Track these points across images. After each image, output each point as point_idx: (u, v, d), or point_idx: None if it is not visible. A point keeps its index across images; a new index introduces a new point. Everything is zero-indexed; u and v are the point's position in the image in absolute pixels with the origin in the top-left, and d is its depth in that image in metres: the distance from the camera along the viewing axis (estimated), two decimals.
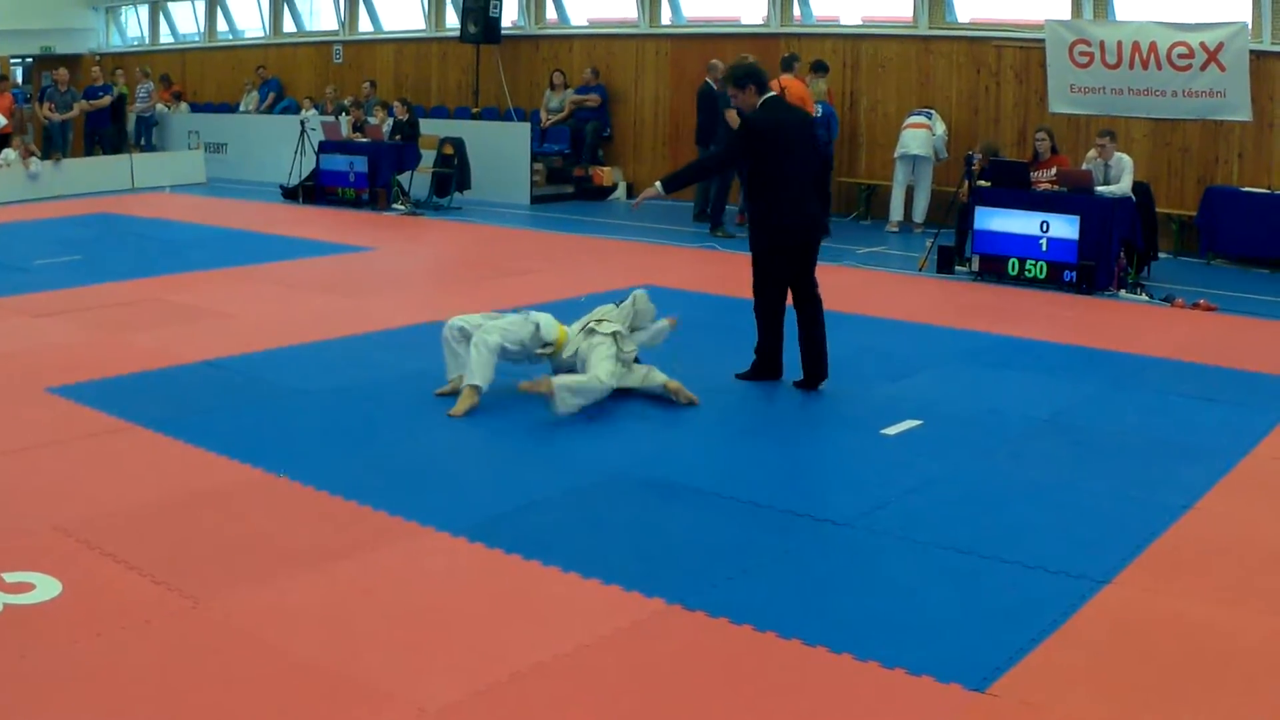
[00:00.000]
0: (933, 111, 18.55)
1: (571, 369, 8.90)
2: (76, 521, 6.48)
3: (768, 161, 9.26)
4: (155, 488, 7.10)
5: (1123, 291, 13.71)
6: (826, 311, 9.41)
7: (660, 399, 8.97)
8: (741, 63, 9.50)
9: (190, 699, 4.75)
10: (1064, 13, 17.87)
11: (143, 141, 26.46)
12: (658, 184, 9.55)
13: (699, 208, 19.06)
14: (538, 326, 8.95)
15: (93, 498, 6.90)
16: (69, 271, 14.04)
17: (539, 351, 8.98)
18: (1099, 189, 14.03)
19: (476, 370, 8.62)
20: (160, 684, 4.86)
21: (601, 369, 8.73)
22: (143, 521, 6.58)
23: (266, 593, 5.73)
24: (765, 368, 9.65)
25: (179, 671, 4.97)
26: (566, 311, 9.41)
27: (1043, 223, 13.88)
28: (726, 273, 10.24)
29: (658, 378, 9.06)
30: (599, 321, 9.09)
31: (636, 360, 9.12)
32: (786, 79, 17.94)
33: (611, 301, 9.32)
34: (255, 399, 8.98)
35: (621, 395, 8.90)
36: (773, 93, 9.50)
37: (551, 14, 24.11)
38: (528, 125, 22.07)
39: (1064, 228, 13.78)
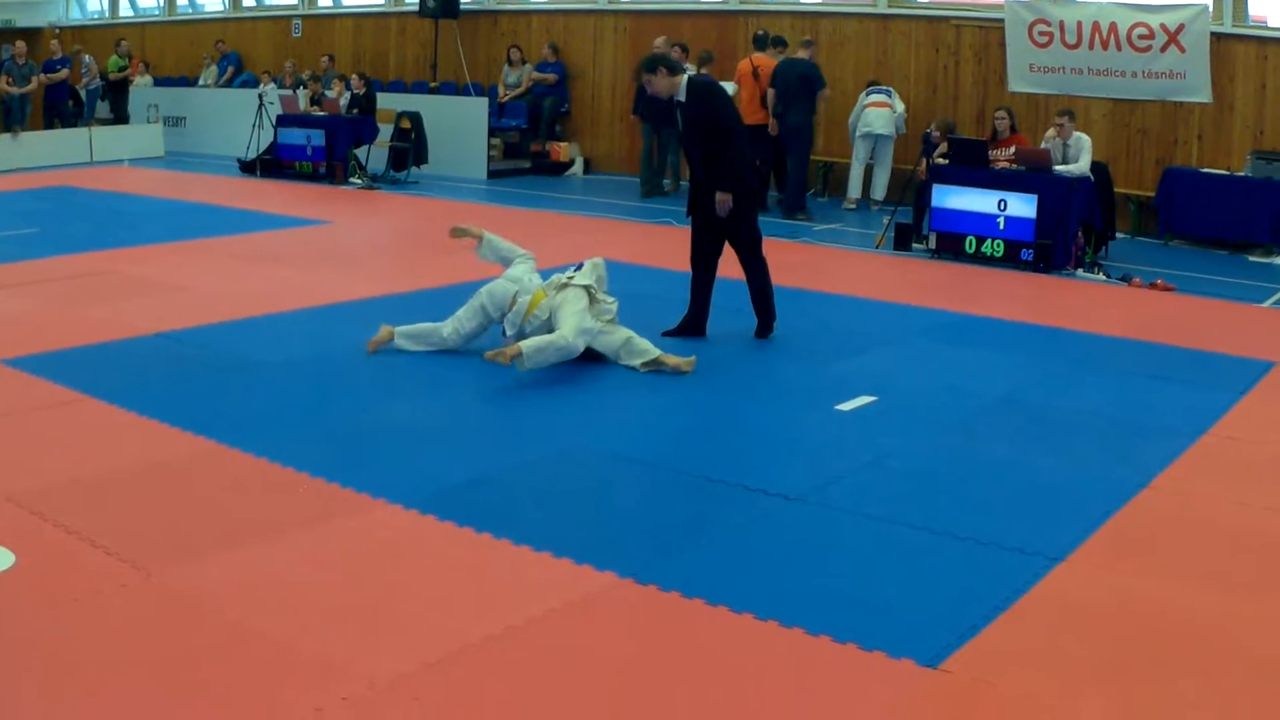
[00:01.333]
0: (891, 90, 18.54)
1: (549, 329, 8.93)
2: (29, 493, 6.44)
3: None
4: (109, 459, 7.06)
5: (1080, 271, 13.75)
6: (784, 287, 9.47)
7: (631, 372, 9.00)
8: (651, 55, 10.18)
9: (142, 670, 4.72)
10: None
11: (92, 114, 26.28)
12: (725, 195, 9.93)
13: (649, 185, 19.10)
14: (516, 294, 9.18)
15: (45, 469, 6.85)
16: (25, 244, 13.94)
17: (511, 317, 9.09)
18: (1057, 168, 14.06)
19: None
20: (112, 655, 4.84)
21: (568, 326, 8.75)
22: (96, 493, 6.54)
23: (218, 564, 5.70)
24: (688, 325, 10.30)
25: (131, 643, 4.95)
26: None
27: (1001, 201, 13.90)
28: (683, 248, 10.22)
29: (640, 348, 9.13)
30: (569, 277, 9.17)
31: (614, 322, 9.18)
32: (759, 57, 17.96)
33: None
34: (209, 371, 8.93)
35: (590, 365, 8.91)
36: (692, 72, 9.85)
37: None
38: (485, 100, 21.99)
39: (1022, 206, 13.79)
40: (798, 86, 17.29)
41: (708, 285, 10.26)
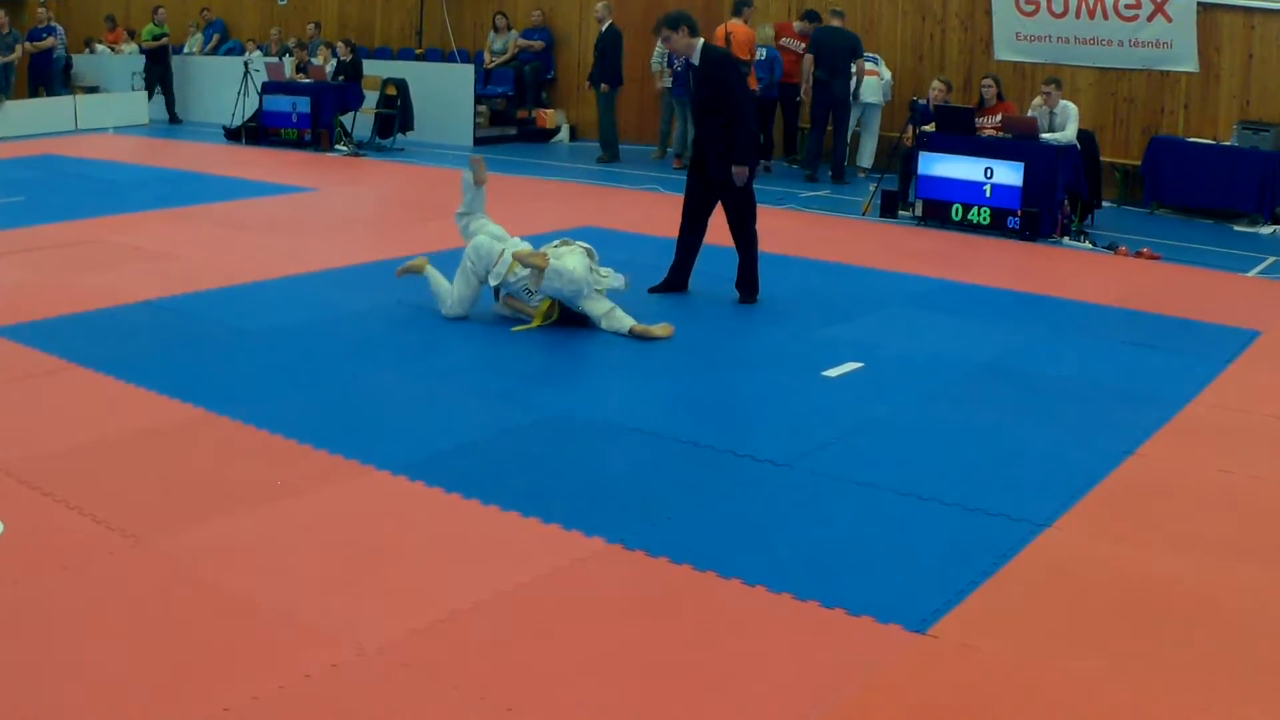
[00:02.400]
0: (878, 57, 18.54)
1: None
2: (17, 461, 6.44)
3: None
4: (96, 427, 7.06)
5: (1066, 239, 13.77)
6: (770, 253, 9.50)
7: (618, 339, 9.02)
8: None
9: (131, 637, 4.73)
10: None
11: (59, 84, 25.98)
12: (741, 167, 10.10)
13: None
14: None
15: (33, 438, 6.85)
16: (11, 213, 13.88)
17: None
18: (1044, 136, 14.06)
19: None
20: (101, 623, 4.84)
21: (570, 260, 8.99)
22: (84, 461, 6.54)
23: (207, 532, 5.70)
24: (671, 281, 10.61)
25: (120, 610, 4.95)
26: None
27: (987, 169, 13.90)
28: (669, 214, 10.24)
29: (623, 321, 9.15)
30: (565, 242, 9.37)
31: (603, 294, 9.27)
32: (734, 24, 17.96)
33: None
34: (197, 339, 8.92)
35: (578, 332, 8.93)
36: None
37: None
38: (471, 67, 21.93)
39: (1008, 174, 13.80)
40: (845, 54, 17.46)
41: (695, 245, 10.44)
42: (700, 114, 10.36)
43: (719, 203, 10.33)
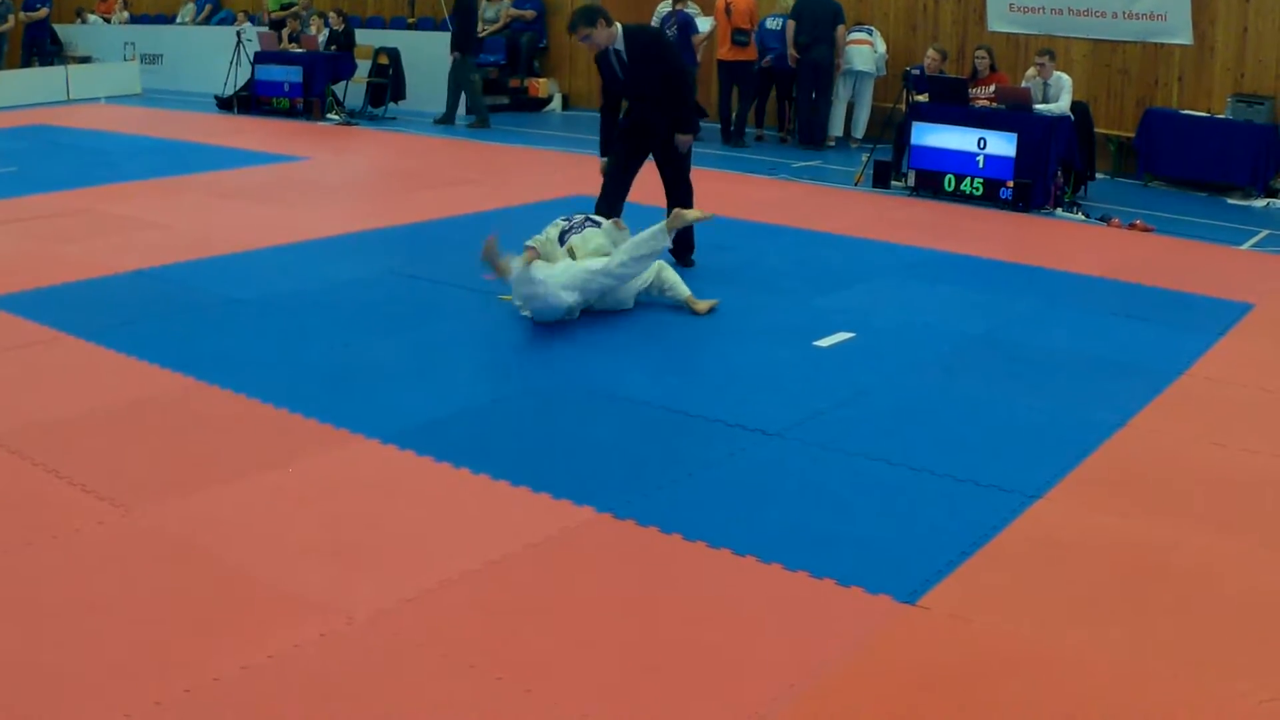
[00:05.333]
0: (873, 28, 18.52)
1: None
2: (7, 431, 6.44)
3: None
4: (87, 397, 7.05)
5: (1059, 210, 13.75)
6: (763, 223, 9.47)
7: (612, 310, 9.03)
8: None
9: (120, 608, 4.73)
10: None
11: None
12: (687, 136, 10.16)
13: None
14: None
15: (24, 408, 6.84)
16: (2, 183, 13.85)
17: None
18: (1037, 107, 14.04)
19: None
20: (91, 593, 4.84)
21: (543, 268, 8.71)
22: (74, 431, 6.53)
23: (198, 501, 5.70)
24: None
25: (109, 580, 4.95)
26: (503, 221, 9.38)
27: (980, 139, 13.88)
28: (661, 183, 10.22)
29: (677, 286, 9.23)
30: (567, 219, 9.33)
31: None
32: None
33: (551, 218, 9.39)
34: (188, 308, 8.91)
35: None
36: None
37: None
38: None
39: (1002, 145, 13.78)
40: (827, 21, 17.60)
41: (618, 208, 10.19)
42: (638, 95, 10.13)
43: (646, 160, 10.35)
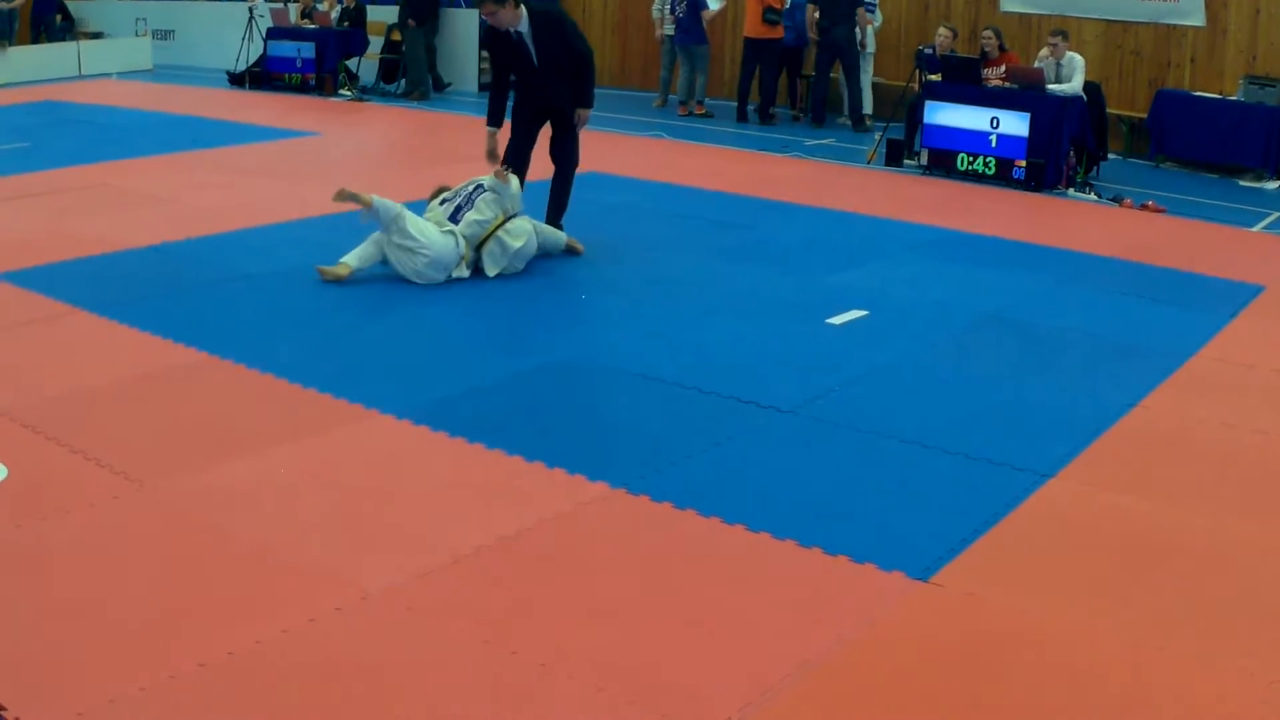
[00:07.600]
0: (875, 4, 18.48)
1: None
2: (21, 406, 6.45)
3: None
4: (101, 372, 7.07)
5: (1071, 190, 13.72)
6: (776, 200, 9.46)
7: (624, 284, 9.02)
8: None
9: (135, 581, 4.74)
10: None
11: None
12: (586, 110, 10.44)
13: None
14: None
15: (37, 382, 6.86)
16: (15, 158, 13.87)
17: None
18: (1050, 87, 14.00)
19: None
20: (105, 567, 4.86)
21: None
22: (87, 405, 6.55)
23: (212, 476, 5.71)
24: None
25: (124, 554, 4.97)
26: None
27: (993, 119, 13.85)
28: (674, 160, 10.21)
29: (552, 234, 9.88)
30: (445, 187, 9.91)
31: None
32: None
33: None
34: (200, 283, 8.92)
35: (576, 279, 8.91)
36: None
37: None
38: (476, 12, 21.76)
39: (1014, 124, 13.74)
40: (848, 3, 17.67)
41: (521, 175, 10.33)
42: (546, 74, 10.16)
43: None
